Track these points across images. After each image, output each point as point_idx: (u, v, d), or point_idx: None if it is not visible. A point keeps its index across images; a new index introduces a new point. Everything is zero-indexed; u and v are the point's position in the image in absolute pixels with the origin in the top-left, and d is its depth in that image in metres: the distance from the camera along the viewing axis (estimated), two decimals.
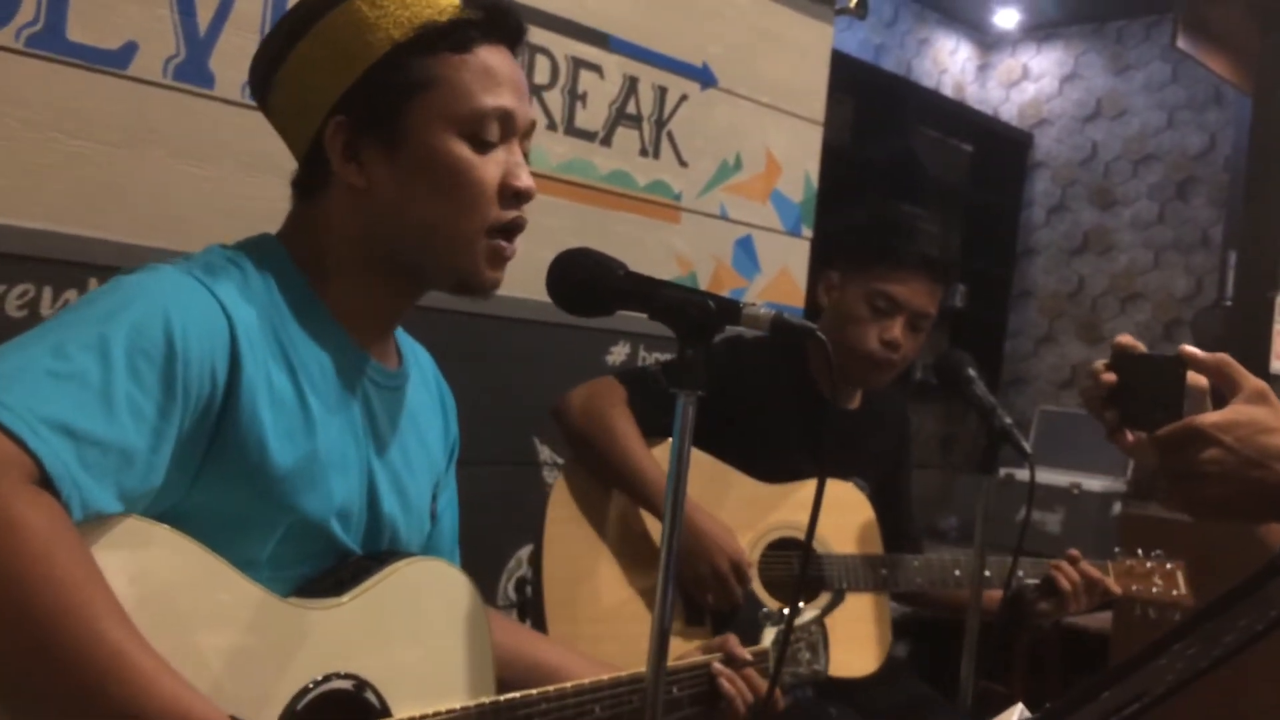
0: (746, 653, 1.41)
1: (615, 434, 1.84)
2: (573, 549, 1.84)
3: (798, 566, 1.93)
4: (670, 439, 1.87)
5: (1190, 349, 1.17)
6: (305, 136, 1.15)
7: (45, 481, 0.87)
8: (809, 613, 1.55)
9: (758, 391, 1.97)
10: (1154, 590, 2.03)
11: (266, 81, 1.16)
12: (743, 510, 1.91)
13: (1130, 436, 1.20)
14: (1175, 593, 2.03)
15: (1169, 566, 2.06)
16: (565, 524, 1.84)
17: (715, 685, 1.37)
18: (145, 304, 0.99)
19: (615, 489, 1.87)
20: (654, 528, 1.86)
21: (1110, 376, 1.20)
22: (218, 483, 1.03)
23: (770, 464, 1.95)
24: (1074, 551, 1.98)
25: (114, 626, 0.86)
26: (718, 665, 1.39)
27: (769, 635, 1.48)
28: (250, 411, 1.04)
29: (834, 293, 2.02)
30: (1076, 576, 1.94)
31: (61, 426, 0.89)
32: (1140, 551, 2.08)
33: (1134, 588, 2.03)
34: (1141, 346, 1.21)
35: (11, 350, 0.93)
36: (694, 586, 1.81)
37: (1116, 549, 2.08)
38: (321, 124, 1.12)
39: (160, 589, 0.96)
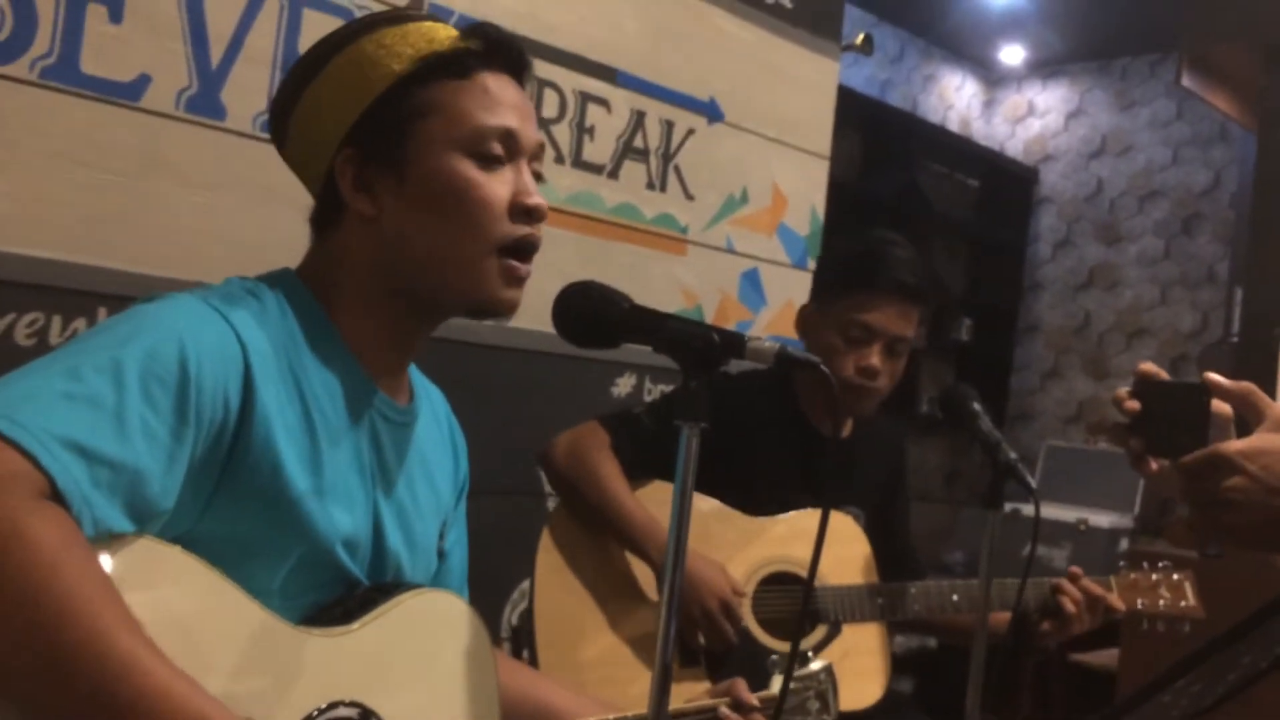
0: (754, 698, 1.40)
1: (599, 478, 1.84)
2: (562, 595, 1.84)
3: (801, 601, 1.92)
4: (655, 481, 1.89)
5: (1215, 377, 1.18)
6: (319, 173, 1.17)
7: (56, 498, 0.88)
8: (819, 661, 1.54)
9: (747, 425, 1.96)
10: (1161, 603, 1.97)
11: (283, 126, 1.19)
12: (735, 545, 1.90)
13: (1154, 464, 1.20)
14: (1184, 604, 1.97)
15: (1176, 577, 2.00)
16: (555, 570, 1.85)
17: None
18: (160, 330, 1.00)
19: (602, 533, 1.87)
20: (640, 571, 1.86)
21: (1133, 404, 1.20)
22: (230, 509, 1.04)
23: (761, 497, 1.94)
24: (1075, 569, 1.95)
25: (124, 634, 0.87)
26: (725, 710, 1.38)
27: (778, 682, 1.47)
28: (263, 438, 1.05)
29: (810, 325, 2.03)
30: (1079, 595, 1.91)
31: (73, 445, 0.89)
32: (1145, 564, 2.02)
33: (1140, 602, 1.97)
34: (1164, 374, 1.21)
35: (27, 373, 0.95)
36: (685, 628, 1.80)
37: (1121, 563, 2.04)
38: (333, 159, 1.15)
39: (172, 611, 0.96)
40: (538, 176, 1.21)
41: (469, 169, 1.14)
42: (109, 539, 0.93)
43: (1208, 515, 1.13)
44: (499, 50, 1.18)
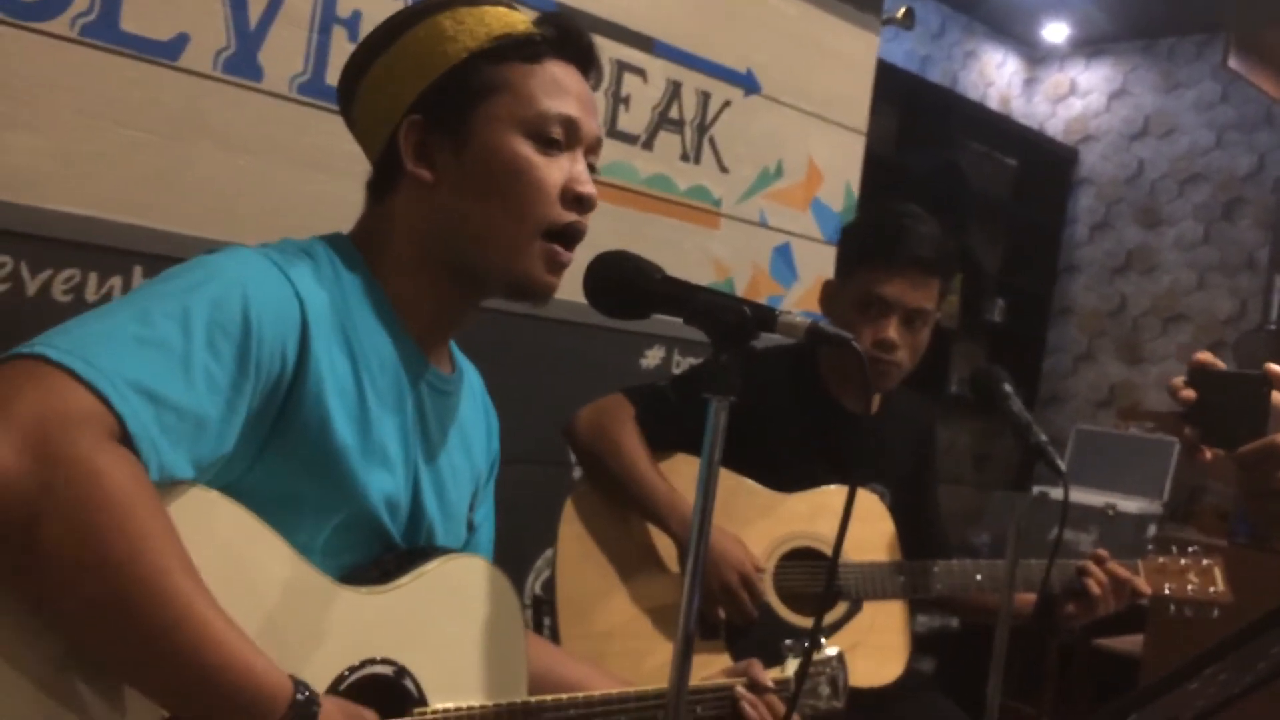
0: (769, 679, 1.42)
1: (623, 451, 1.85)
2: (584, 566, 1.85)
3: (823, 577, 1.92)
4: (678, 454, 1.89)
5: (1276, 367, 1.18)
6: (381, 138, 1.19)
7: (126, 440, 0.90)
8: (831, 649, 1.55)
9: (771, 400, 1.96)
10: (1189, 588, 1.95)
11: (351, 92, 1.22)
12: (758, 520, 1.90)
13: (1208, 453, 1.21)
14: (1213, 590, 1.94)
15: (1205, 563, 1.97)
16: (577, 541, 1.86)
17: (737, 708, 1.39)
18: (225, 281, 1.03)
19: (625, 506, 1.87)
20: (663, 543, 1.87)
21: (1189, 393, 1.21)
22: (278, 463, 1.06)
23: (785, 473, 1.94)
24: (1102, 551, 1.94)
25: (186, 581, 0.90)
26: (740, 689, 1.40)
27: (792, 665, 1.49)
28: (315, 393, 1.07)
29: (831, 299, 2.02)
30: (1104, 577, 1.90)
31: (144, 390, 0.92)
32: (1174, 549, 2.00)
33: (1167, 587, 1.95)
34: (1220, 364, 1.22)
35: (99, 315, 0.97)
36: (704, 602, 1.81)
37: (1149, 546, 2.03)
38: (398, 124, 1.17)
39: (220, 556, 0.98)
40: (592, 169, 1.22)
41: (527, 149, 1.16)
42: (166, 485, 0.95)
43: (1262, 505, 1.14)
44: (570, 41, 1.21)
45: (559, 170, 1.18)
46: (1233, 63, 3.98)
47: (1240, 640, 0.75)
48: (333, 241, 1.19)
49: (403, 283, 1.19)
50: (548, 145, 1.17)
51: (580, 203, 1.19)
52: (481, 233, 1.17)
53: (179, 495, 0.96)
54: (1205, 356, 1.22)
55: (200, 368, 0.97)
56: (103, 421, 0.89)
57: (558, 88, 1.18)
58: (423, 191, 1.18)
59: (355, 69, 1.21)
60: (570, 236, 1.19)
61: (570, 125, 1.18)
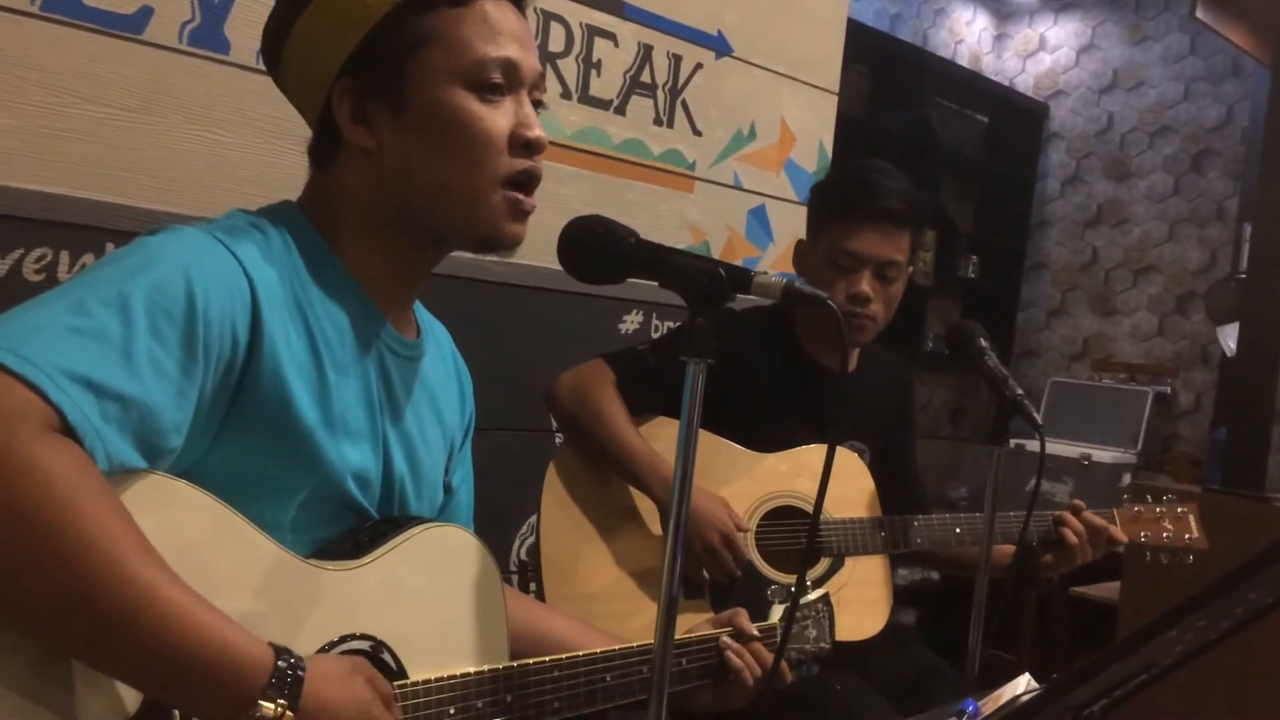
0: (754, 628, 1.43)
1: (603, 416, 1.86)
2: (567, 531, 1.86)
3: (804, 534, 1.94)
4: (658, 417, 1.90)
5: None
6: (316, 105, 1.15)
7: (67, 433, 0.87)
8: (816, 591, 1.56)
9: (747, 360, 1.97)
10: (1165, 535, 1.98)
11: (276, 53, 1.16)
12: (738, 480, 1.92)
13: None
14: (1188, 536, 1.98)
15: (1180, 510, 2.00)
16: (560, 506, 1.87)
17: (723, 659, 1.39)
18: (167, 264, 0.99)
19: (606, 470, 1.89)
20: (645, 506, 1.88)
21: None
22: (239, 443, 1.03)
23: (763, 433, 1.95)
24: (1078, 501, 1.97)
25: (144, 564, 0.87)
26: (726, 639, 1.40)
27: (777, 612, 1.50)
28: (272, 371, 1.04)
29: (803, 258, 2.03)
30: (1081, 526, 1.93)
31: (82, 379, 0.88)
32: (1149, 497, 2.03)
33: (1143, 534, 1.98)
34: None
35: (32, 307, 0.93)
36: (687, 562, 1.82)
37: (1125, 495, 2.05)
38: (329, 90, 1.12)
39: (182, 544, 0.96)
40: (539, 105, 1.18)
41: (469, 101, 1.11)
42: (119, 474, 0.92)
43: None
44: None
45: (504, 117, 1.13)
46: (1200, 14, 3.99)
47: (1219, 589, 0.77)
48: (281, 211, 1.16)
49: (357, 249, 1.15)
50: (489, 92, 1.12)
51: (530, 147, 1.14)
52: (435, 193, 1.13)
53: (135, 483, 0.93)
54: None
55: (144, 354, 0.93)
56: (40, 415, 0.85)
57: (491, 29, 1.12)
58: (366, 157, 1.13)
59: (276, 30, 1.14)
60: (526, 182, 1.15)
61: (510, 67, 1.13)
